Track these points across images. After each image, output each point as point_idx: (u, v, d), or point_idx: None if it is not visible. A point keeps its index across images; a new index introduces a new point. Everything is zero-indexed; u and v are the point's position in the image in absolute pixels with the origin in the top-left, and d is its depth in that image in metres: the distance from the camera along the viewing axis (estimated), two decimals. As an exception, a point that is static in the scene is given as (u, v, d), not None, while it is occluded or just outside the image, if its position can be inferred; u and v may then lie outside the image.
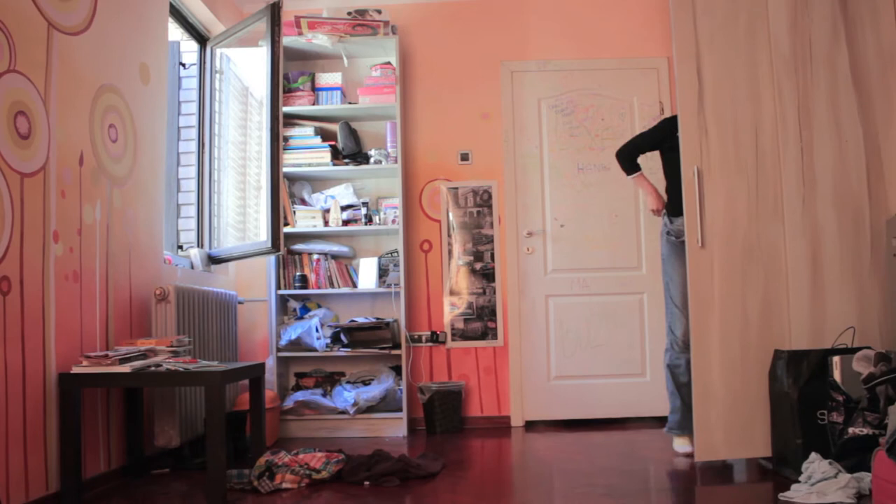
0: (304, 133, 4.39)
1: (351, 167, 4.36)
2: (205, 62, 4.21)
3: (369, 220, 4.34)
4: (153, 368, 2.70)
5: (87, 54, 2.87)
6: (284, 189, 4.21)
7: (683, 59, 3.01)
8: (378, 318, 4.27)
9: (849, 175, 3.00)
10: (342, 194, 4.42)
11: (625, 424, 4.29)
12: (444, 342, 4.45)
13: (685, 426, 3.32)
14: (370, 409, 4.09)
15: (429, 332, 4.45)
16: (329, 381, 4.35)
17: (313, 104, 4.35)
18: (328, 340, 4.25)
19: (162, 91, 3.51)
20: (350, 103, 4.42)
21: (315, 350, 4.15)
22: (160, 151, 3.47)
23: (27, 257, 2.47)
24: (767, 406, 2.88)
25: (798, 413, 2.68)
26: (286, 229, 4.16)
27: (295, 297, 4.40)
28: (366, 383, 4.22)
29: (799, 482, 2.50)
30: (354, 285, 4.34)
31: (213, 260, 4.02)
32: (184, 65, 4.12)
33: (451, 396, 4.24)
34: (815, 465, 2.50)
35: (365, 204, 4.37)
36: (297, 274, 4.30)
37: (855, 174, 3.00)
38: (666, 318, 3.43)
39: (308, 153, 4.35)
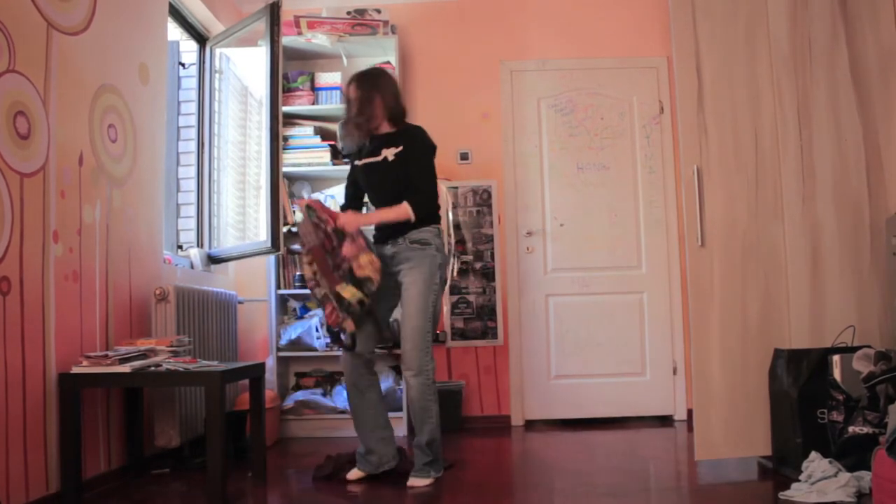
0: (303, 133, 4.39)
1: (351, 167, 4.35)
2: (204, 62, 4.21)
3: (369, 219, 4.33)
4: (153, 368, 2.70)
5: (86, 54, 2.87)
6: (284, 189, 4.21)
7: (683, 58, 3.01)
8: (378, 318, 4.27)
9: (848, 174, 3.00)
10: (342, 194, 4.41)
11: (625, 424, 4.29)
12: (443, 341, 4.45)
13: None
14: (370, 409, 4.08)
15: (429, 332, 4.45)
16: (329, 381, 4.35)
17: (313, 104, 4.35)
18: (328, 340, 4.25)
19: (161, 91, 3.51)
20: (350, 103, 4.41)
21: (315, 350, 4.15)
22: (160, 151, 3.47)
23: (27, 257, 2.47)
24: (767, 405, 2.88)
25: (798, 412, 2.68)
26: (286, 229, 4.16)
27: (295, 296, 4.40)
28: (366, 383, 4.21)
29: (799, 481, 2.50)
30: (354, 285, 4.34)
31: (213, 260, 4.02)
32: (183, 65, 4.12)
33: (451, 396, 4.24)
34: (816, 463, 2.50)
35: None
36: (297, 274, 4.29)
37: (855, 173, 2.99)
38: (426, 349, 2.85)
39: (307, 153, 4.35)
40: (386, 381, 4.18)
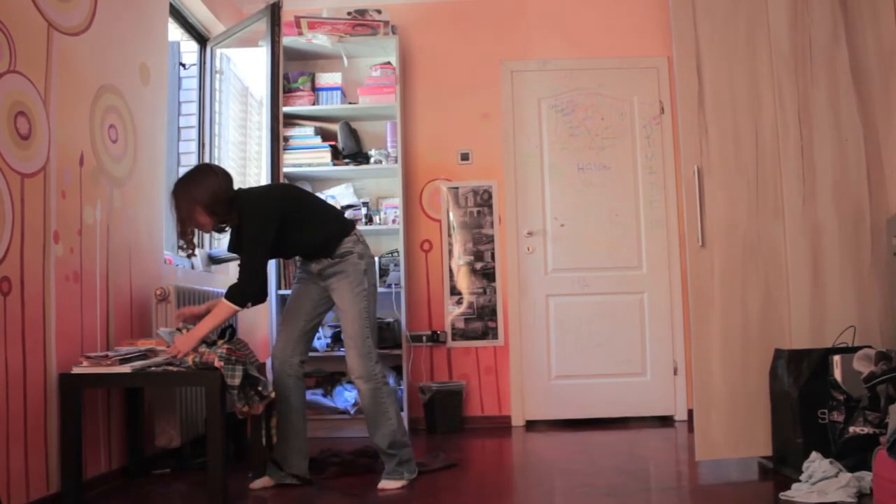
0: (304, 133, 4.39)
1: (351, 167, 4.36)
2: (205, 62, 4.21)
3: (369, 219, 4.34)
4: (153, 368, 2.70)
5: (87, 54, 2.87)
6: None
7: (683, 58, 3.01)
8: (378, 318, 4.27)
9: (849, 174, 2.99)
10: (342, 194, 4.42)
11: (625, 424, 4.29)
12: (444, 342, 4.45)
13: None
14: (371, 409, 4.09)
15: (429, 332, 4.45)
16: (329, 381, 4.35)
17: (313, 104, 4.35)
18: (329, 340, 4.25)
19: (162, 91, 3.51)
20: (350, 103, 4.42)
21: (315, 350, 4.15)
22: (160, 151, 3.47)
23: (27, 258, 2.47)
24: (768, 405, 2.88)
25: (799, 412, 2.68)
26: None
27: (295, 297, 4.39)
28: (366, 383, 4.22)
29: (800, 481, 2.50)
30: (355, 285, 4.33)
31: (214, 260, 4.02)
32: (184, 65, 4.12)
33: (452, 396, 4.24)
34: (816, 464, 2.50)
35: (365, 204, 4.37)
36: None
37: (855, 173, 2.99)
38: (369, 355, 2.85)
39: (308, 153, 4.35)
40: (386, 382, 4.19)
